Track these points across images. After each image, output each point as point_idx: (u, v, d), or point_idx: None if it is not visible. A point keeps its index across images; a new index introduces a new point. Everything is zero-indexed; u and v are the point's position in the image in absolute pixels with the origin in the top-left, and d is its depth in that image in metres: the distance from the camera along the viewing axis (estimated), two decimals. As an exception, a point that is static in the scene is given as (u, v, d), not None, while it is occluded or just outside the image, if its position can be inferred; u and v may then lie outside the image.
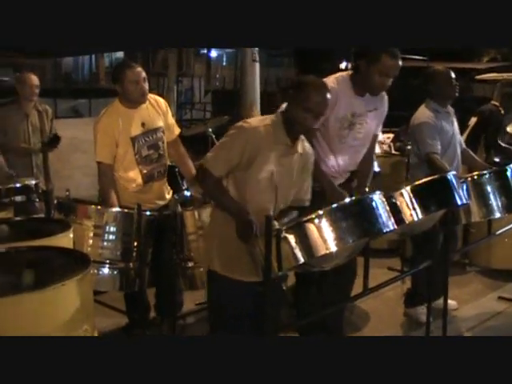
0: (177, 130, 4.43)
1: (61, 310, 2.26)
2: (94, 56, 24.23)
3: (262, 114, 10.29)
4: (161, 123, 4.24)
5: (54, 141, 5.72)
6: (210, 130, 6.32)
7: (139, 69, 4.06)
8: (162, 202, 4.26)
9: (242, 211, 2.95)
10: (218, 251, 3.09)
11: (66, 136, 6.29)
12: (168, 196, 4.38)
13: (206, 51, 24.85)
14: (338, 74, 3.79)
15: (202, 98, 20.69)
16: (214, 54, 26.93)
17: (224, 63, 28.35)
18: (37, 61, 18.68)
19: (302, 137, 3.16)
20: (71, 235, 3.07)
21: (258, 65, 9.88)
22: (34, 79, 5.61)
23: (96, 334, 2.49)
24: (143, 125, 4.12)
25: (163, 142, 4.27)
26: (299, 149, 3.13)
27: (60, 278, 2.26)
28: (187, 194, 4.62)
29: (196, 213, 3.94)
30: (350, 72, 3.79)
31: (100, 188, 4.19)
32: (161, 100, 4.34)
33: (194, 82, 21.00)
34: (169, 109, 4.40)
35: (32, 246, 2.73)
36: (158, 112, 4.25)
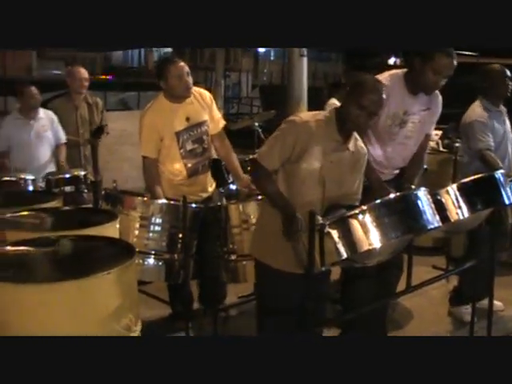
0: (222, 123, 4.44)
1: (106, 298, 2.30)
2: (143, 50, 24.51)
3: (310, 109, 10.29)
4: (205, 117, 4.27)
5: (97, 132, 5.84)
6: (257, 124, 6.35)
7: (182, 63, 4.10)
8: (205, 195, 4.32)
9: (289, 207, 2.96)
10: (266, 243, 3.13)
11: (114, 128, 6.42)
12: (211, 189, 4.43)
13: (253, 46, 24.87)
14: (393, 72, 3.75)
15: (249, 92, 20.74)
16: (261, 48, 26.93)
17: (272, 58, 28.32)
18: (88, 54, 18.99)
19: (356, 135, 3.17)
20: (117, 225, 3.13)
21: (305, 59, 9.83)
22: (83, 72, 5.73)
23: (140, 324, 2.52)
24: (188, 119, 4.17)
25: (207, 136, 4.30)
26: (351, 147, 3.13)
27: (105, 266, 2.31)
28: (232, 187, 4.65)
29: (240, 206, 3.96)
30: (404, 70, 3.75)
31: (146, 182, 4.24)
32: (206, 93, 4.37)
33: (241, 77, 21.07)
34: (214, 102, 4.42)
35: (79, 235, 2.79)
36: (203, 106, 4.27)
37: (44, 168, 5.32)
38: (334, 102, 5.22)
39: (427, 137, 4.01)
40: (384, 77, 3.62)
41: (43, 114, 5.50)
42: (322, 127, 3.03)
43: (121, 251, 2.56)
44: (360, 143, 3.22)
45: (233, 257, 3.99)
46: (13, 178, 4.80)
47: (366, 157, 3.27)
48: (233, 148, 4.60)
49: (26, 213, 3.28)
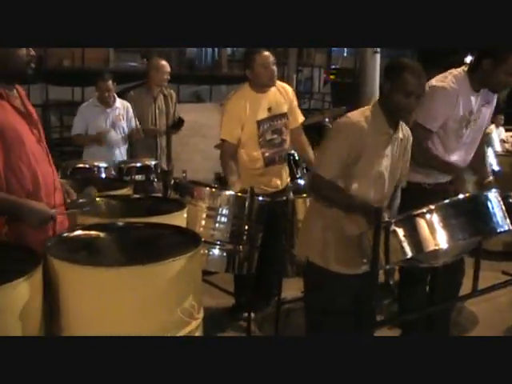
0: (301, 119, 4.56)
1: (170, 284, 2.35)
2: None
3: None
4: (286, 109, 4.37)
5: (178, 124, 5.98)
6: (327, 120, 6.32)
7: (267, 53, 4.18)
8: (280, 186, 4.40)
9: (365, 203, 2.91)
10: (320, 244, 3.07)
11: (187, 120, 6.50)
12: (286, 180, 4.50)
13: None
14: (455, 72, 3.63)
15: (321, 88, 20.62)
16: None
17: (345, 54, 28.06)
18: (163, 47, 19.29)
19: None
20: (185, 215, 3.18)
21: (378, 56, 9.73)
22: (166, 66, 5.86)
23: (202, 312, 2.56)
24: (269, 109, 4.27)
25: (286, 128, 4.40)
26: (400, 134, 3.08)
27: (172, 254, 2.37)
28: (300, 182, 4.66)
29: (308, 201, 3.96)
30: (464, 68, 3.65)
31: (222, 166, 4.32)
32: (289, 88, 4.48)
33: (313, 72, 20.96)
34: (295, 97, 4.53)
35: (148, 222, 2.86)
36: (285, 99, 4.38)
37: (116, 154, 5.52)
38: None
39: (484, 130, 3.95)
40: (449, 79, 3.55)
41: (119, 103, 5.64)
42: (371, 123, 2.96)
43: (187, 240, 2.61)
44: (404, 126, 3.15)
45: (298, 250, 3.99)
46: (86, 165, 4.95)
47: (411, 137, 3.21)
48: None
49: (97, 199, 3.38)
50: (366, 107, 3.09)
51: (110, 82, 5.55)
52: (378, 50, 9.52)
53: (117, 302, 2.28)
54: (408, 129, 3.20)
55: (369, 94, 9.92)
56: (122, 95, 5.90)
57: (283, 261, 4.07)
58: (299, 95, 18.01)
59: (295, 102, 4.52)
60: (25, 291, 2.13)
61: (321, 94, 19.50)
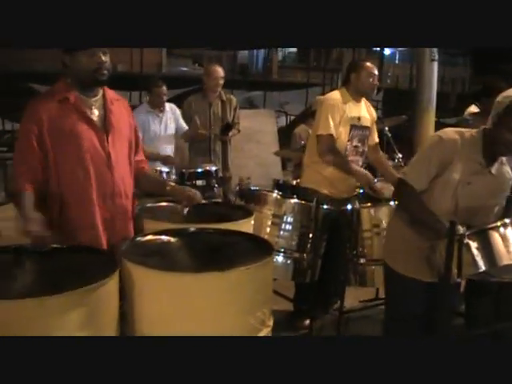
0: (376, 138, 4.68)
1: (243, 292, 2.35)
2: (267, 50, 24.80)
3: (437, 114, 10.03)
4: (369, 125, 4.46)
5: (225, 129, 6.00)
6: (387, 128, 6.26)
7: (373, 66, 4.31)
8: (354, 193, 4.43)
9: (440, 223, 2.86)
10: (397, 249, 3.11)
11: (241, 126, 6.53)
12: (354, 191, 4.50)
13: (378, 48, 24.56)
14: None
15: (373, 95, 20.43)
16: (387, 51, 26.55)
17: (397, 61, 27.88)
18: (214, 52, 19.45)
19: (504, 160, 3.04)
20: (252, 222, 3.19)
21: (436, 64, 9.61)
22: (220, 72, 5.90)
23: (272, 319, 2.56)
24: (359, 119, 4.34)
25: (367, 142, 4.48)
26: (493, 170, 3.00)
27: (243, 261, 2.37)
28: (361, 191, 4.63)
29: (372, 210, 3.96)
30: None
31: (336, 163, 4.26)
32: (373, 109, 4.61)
33: (366, 79, 20.78)
34: (375, 117, 4.66)
35: (219, 228, 2.87)
36: (371, 116, 4.51)
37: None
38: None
39: None
40: None
41: (168, 107, 5.74)
42: (467, 147, 2.93)
43: (258, 247, 2.61)
44: (507, 168, 3.07)
45: (362, 260, 4.01)
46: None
47: (510, 182, 3.12)
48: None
49: (164, 203, 3.41)
50: (467, 129, 3.04)
51: (165, 88, 5.64)
52: (436, 57, 9.39)
53: (191, 308, 2.29)
54: (510, 172, 3.10)
55: (425, 102, 9.79)
56: (179, 100, 5.98)
57: (346, 269, 4.04)
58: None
59: (375, 121, 4.63)
60: (103, 294, 2.16)
61: (374, 102, 19.34)
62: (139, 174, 3.09)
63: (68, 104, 2.78)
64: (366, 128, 4.43)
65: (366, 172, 4.19)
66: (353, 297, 4.69)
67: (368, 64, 4.27)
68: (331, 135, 4.19)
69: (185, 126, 5.80)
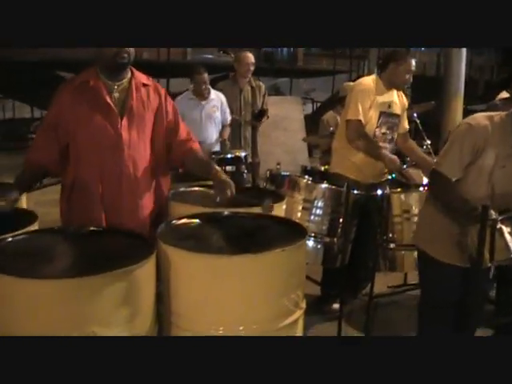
0: (407, 126, 4.69)
1: (278, 274, 2.39)
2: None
3: (465, 102, 9.96)
4: (400, 113, 4.47)
5: (259, 115, 6.04)
6: (415, 115, 6.24)
7: (413, 61, 4.30)
8: (382, 179, 4.44)
9: (475, 210, 2.82)
10: (432, 237, 3.08)
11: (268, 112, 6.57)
12: (383, 177, 4.50)
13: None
14: None
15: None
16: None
17: (422, 48, 27.58)
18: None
19: None
20: (284, 206, 3.22)
21: (464, 51, 9.53)
22: (251, 58, 5.93)
23: (304, 302, 2.59)
24: (389, 106, 4.36)
25: (397, 129, 4.49)
26: None
27: (278, 244, 2.40)
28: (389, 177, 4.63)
29: (403, 196, 3.96)
30: None
31: (366, 148, 4.28)
32: (403, 96, 4.59)
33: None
34: (406, 105, 4.66)
35: (251, 212, 2.91)
36: (401, 102, 4.51)
37: (210, 147, 5.56)
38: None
39: None
40: None
41: (214, 95, 5.75)
42: (497, 130, 2.91)
43: (291, 231, 2.65)
44: None
45: (392, 245, 4.00)
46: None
47: None
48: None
49: (196, 188, 3.46)
50: (496, 113, 3.02)
51: (206, 75, 5.64)
52: (464, 44, 9.31)
53: (226, 290, 2.34)
54: None
55: (453, 90, 9.73)
56: (212, 86, 6.01)
57: (376, 255, 4.05)
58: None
59: (406, 110, 4.65)
60: (141, 275, 2.21)
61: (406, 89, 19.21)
62: (184, 155, 3.11)
63: (87, 87, 2.89)
64: (396, 116, 4.43)
65: (395, 157, 4.18)
66: (381, 282, 4.69)
67: (411, 60, 4.24)
68: (360, 121, 4.20)
69: (228, 118, 5.83)
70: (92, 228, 2.60)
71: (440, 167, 3.00)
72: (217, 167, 3.03)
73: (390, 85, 4.34)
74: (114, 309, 2.12)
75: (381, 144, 4.34)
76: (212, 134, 5.67)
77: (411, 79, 4.34)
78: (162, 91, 3.10)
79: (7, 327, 2.11)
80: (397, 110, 4.43)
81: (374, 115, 4.28)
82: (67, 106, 2.88)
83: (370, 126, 4.29)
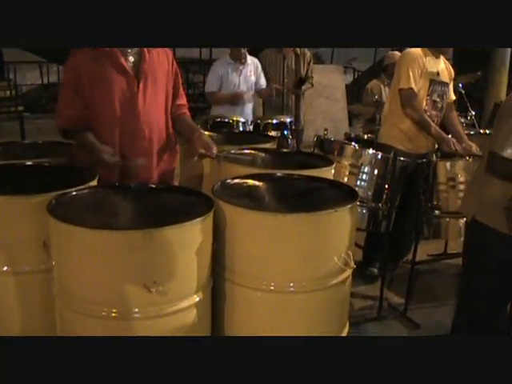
0: (453, 96, 4.66)
1: (330, 233, 2.47)
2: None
3: (510, 76, 9.83)
4: (447, 81, 4.48)
5: (299, 83, 6.08)
6: (460, 85, 6.21)
7: None
8: (431, 149, 4.45)
9: None
10: (489, 204, 2.93)
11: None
12: (433, 146, 4.52)
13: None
14: None
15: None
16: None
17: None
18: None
19: None
20: (333, 171, 3.27)
21: (512, 24, 9.36)
22: None
23: (354, 262, 2.65)
24: (438, 74, 4.36)
25: (447, 98, 4.50)
26: None
27: (331, 205, 2.47)
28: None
29: (448, 164, 3.98)
30: None
31: (417, 118, 4.29)
32: (451, 69, 4.59)
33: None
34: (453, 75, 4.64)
35: (304, 174, 2.97)
36: (449, 73, 4.53)
37: (246, 110, 5.66)
38: None
39: None
40: None
41: (250, 60, 5.80)
42: None
43: (343, 194, 2.71)
44: None
45: (436, 212, 4.03)
46: (225, 119, 5.13)
47: None
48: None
49: (248, 151, 3.52)
50: None
51: None
52: None
53: (279, 247, 2.41)
54: None
55: (498, 62, 9.62)
56: (255, 53, 6.05)
57: (421, 222, 4.09)
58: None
59: (453, 79, 4.63)
60: (200, 230, 2.30)
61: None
62: (177, 117, 3.25)
63: (102, 52, 2.94)
64: (445, 84, 4.44)
65: (448, 138, 4.19)
66: (422, 251, 4.71)
67: None
68: (411, 89, 4.22)
69: (263, 84, 5.87)
70: (151, 185, 2.69)
71: (495, 145, 2.79)
72: (201, 130, 3.18)
73: (437, 50, 4.34)
74: (174, 261, 2.22)
75: (431, 112, 4.36)
76: (248, 99, 5.73)
77: None
78: (170, 53, 3.19)
79: (77, 277, 2.25)
80: (445, 78, 4.44)
81: (424, 83, 4.29)
82: (84, 69, 2.94)
83: (421, 94, 4.30)
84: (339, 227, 2.49)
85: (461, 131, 4.47)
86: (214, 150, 3.00)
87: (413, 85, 4.22)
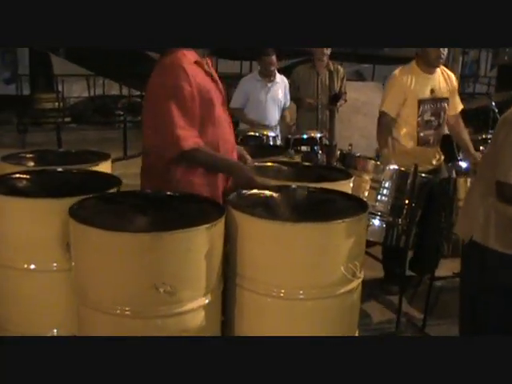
0: (459, 107, 4.63)
1: (336, 243, 2.55)
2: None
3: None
4: (447, 95, 4.47)
5: (334, 98, 6.18)
6: (494, 103, 6.22)
7: None
8: (430, 167, 4.47)
9: None
10: (481, 222, 2.90)
11: (348, 98, 6.68)
12: (436, 162, 4.59)
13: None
14: None
15: (487, 71, 19.75)
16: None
17: None
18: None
19: None
20: (351, 184, 3.36)
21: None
22: None
23: (362, 273, 2.72)
24: (432, 91, 4.39)
25: (445, 113, 4.49)
26: None
27: (341, 216, 2.57)
28: (461, 164, 4.67)
29: (469, 180, 4.01)
30: None
31: (377, 137, 4.49)
32: (453, 76, 4.57)
33: (481, 54, 20.11)
34: (457, 85, 4.62)
35: (318, 187, 3.06)
36: (448, 85, 4.49)
37: (273, 127, 5.77)
38: None
39: None
40: None
41: (279, 78, 5.95)
42: None
43: (355, 206, 2.79)
44: None
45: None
46: (256, 134, 5.27)
47: None
48: (467, 127, 4.73)
49: (270, 164, 3.64)
50: None
51: (274, 57, 5.83)
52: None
53: (288, 255, 2.51)
54: None
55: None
56: (287, 71, 6.19)
57: (441, 239, 4.13)
58: (464, 79, 17.45)
59: (456, 91, 4.60)
60: (208, 236, 2.41)
61: (487, 78, 18.67)
62: None
63: (200, 65, 2.89)
64: (442, 99, 4.44)
65: (388, 155, 4.31)
66: (447, 268, 4.72)
67: None
68: (383, 111, 4.38)
69: (287, 104, 6.03)
70: (168, 193, 2.82)
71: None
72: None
73: (425, 65, 4.34)
74: (182, 264, 2.34)
75: (424, 132, 4.39)
76: (274, 115, 5.88)
77: (445, 52, 4.31)
78: None
79: (93, 276, 2.40)
80: (442, 93, 4.43)
81: (412, 105, 4.34)
82: (195, 82, 2.77)
83: (410, 118, 4.36)
84: (346, 238, 2.56)
85: (468, 143, 4.50)
86: (249, 161, 3.14)
87: (385, 108, 4.36)
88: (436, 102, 4.40)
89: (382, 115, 4.41)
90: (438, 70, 4.43)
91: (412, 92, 4.32)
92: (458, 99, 4.61)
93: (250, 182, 2.86)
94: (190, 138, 2.76)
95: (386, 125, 4.41)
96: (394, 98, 4.35)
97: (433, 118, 4.41)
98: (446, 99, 4.46)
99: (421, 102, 4.34)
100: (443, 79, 4.47)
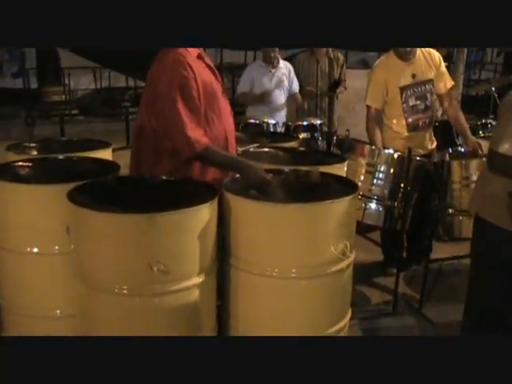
0: (450, 83, 4.62)
1: (326, 223, 2.63)
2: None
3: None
4: (431, 76, 4.49)
5: (334, 85, 6.24)
6: (494, 89, 6.25)
7: None
8: (422, 151, 4.51)
9: None
10: (491, 200, 2.95)
11: (353, 86, 6.73)
12: (430, 147, 4.63)
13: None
14: None
15: (493, 58, 19.62)
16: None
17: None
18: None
19: None
20: (345, 168, 3.43)
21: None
22: None
23: (354, 253, 2.80)
24: (413, 76, 4.43)
25: (431, 94, 4.52)
26: None
27: (331, 197, 2.64)
28: (461, 149, 4.70)
29: (463, 163, 4.07)
30: None
31: (367, 130, 4.53)
32: (435, 53, 4.56)
33: (487, 42, 19.91)
34: (442, 61, 4.59)
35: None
36: (430, 65, 4.50)
37: (278, 113, 5.85)
38: None
39: None
40: None
41: (282, 64, 6.00)
42: None
43: (346, 188, 2.87)
44: None
45: (450, 211, 4.14)
46: (257, 121, 5.34)
47: None
48: (467, 113, 4.73)
49: (265, 149, 3.72)
50: None
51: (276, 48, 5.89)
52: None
53: (280, 235, 2.60)
54: None
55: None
56: (289, 60, 6.26)
57: (435, 221, 4.20)
58: (470, 65, 17.32)
59: (443, 67, 4.58)
60: (204, 216, 2.50)
61: (493, 65, 18.55)
62: None
63: (202, 60, 2.92)
64: (426, 82, 4.46)
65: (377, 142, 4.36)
66: (447, 252, 4.79)
67: None
68: (367, 106, 4.48)
69: (296, 88, 6.06)
70: (164, 177, 2.89)
71: (495, 144, 2.83)
72: None
73: (401, 54, 4.38)
74: (176, 244, 2.43)
75: (413, 117, 4.45)
76: (281, 100, 5.91)
77: None
78: None
79: (91, 257, 2.50)
80: (425, 75, 4.45)
81: (394, 94, 4.41)
82: (199, 76, 2.79)
83: (394, 106, 4.43)
84: (336, 218, 2.64)
85: (465, 127, 4.51)
86: None
87: (368, 102, 4.48)
88: (419, 85, 4.45)
89: (367, 108, 4.52)
90: (419, 52, 4.45)
91: (391, 81, 4.39)
92: (445, 77, 4.58)
93: (260, 180, 2.83)
94: (200, 137, 2.77)
95: (372, 117, 4.49)
96: (373, 91, 4.45)
97: (418, 102, 4.46)
98: (429, 81, 4.48)
99: (402, 89, 4.40)
100: (424, 61, 4.47)
